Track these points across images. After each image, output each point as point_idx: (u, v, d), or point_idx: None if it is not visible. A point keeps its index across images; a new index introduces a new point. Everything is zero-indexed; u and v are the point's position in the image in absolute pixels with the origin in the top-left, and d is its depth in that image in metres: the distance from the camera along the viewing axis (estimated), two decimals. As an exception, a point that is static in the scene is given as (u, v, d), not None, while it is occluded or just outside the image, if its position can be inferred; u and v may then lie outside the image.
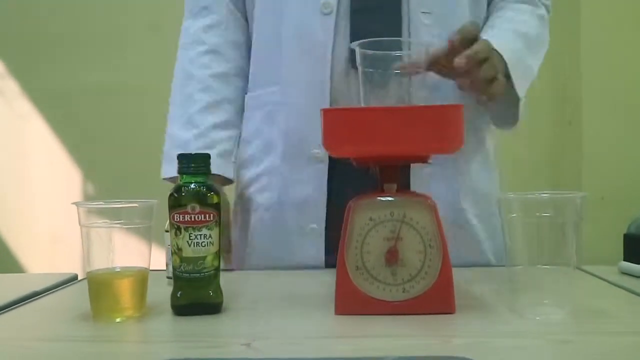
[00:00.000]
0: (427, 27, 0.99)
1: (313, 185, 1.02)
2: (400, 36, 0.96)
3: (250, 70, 1.12)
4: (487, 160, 1.10)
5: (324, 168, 1.01)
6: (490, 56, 0.90)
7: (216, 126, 1.09)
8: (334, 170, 1.02)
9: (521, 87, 1.00)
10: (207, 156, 0.77)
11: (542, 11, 1.11)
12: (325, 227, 1.02)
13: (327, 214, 1.02)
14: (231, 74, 1.12)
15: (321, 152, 1.00)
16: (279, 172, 1.05)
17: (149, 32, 2.36)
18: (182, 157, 0.76)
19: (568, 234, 0.69)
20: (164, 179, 1.10)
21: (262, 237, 1.08)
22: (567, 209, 0.69)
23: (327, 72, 0.99)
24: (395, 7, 0.98)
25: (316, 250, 1.03)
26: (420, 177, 0.99)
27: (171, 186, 0.76)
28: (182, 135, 1.10)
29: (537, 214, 0.69)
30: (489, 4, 1.10)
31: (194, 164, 0.76)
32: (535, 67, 1.05)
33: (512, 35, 1.02)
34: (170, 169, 1.09)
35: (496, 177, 1.12)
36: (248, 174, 1.11)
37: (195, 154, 0.77)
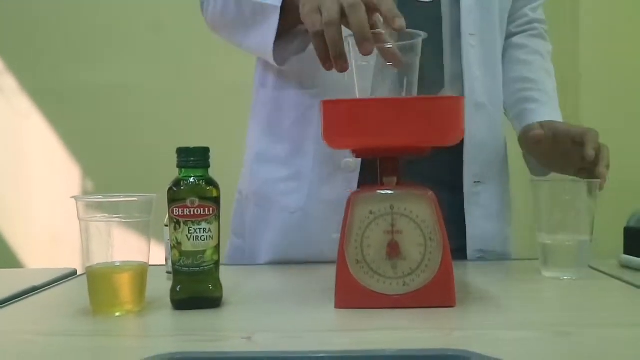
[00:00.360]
0: (473, 49, 1.02)
1: (340, 195, 1.00)
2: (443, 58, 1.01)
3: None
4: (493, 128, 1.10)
5: (354, 177, 1.00)
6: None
7: None
8: (365, 180, 1.00)
9: None
10: (207, 150, 0.76)
11: (549, 46, 1.20)
12: None
13: None
14: None
15: (353, 161, 0.99)
16: (308, 178, 1.03)
17: (149, 31, 2.36)
18: (181, 151, 0.76)
19: (584, 210, 0.87)
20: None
21: (284, 240, 1.05)
22: (584, 192, 0.88)
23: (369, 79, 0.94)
24: (436, 28, 1.00)
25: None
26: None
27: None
28: None
29: (562, 195, 0.88)
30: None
31: (193, 157, 0.75)
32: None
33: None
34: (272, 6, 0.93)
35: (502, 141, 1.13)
36: (275, 174, 1.07)
37: (195, 147, 0.76)
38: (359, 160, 0.99)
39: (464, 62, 1.01)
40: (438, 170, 0.96)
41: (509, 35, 1.14)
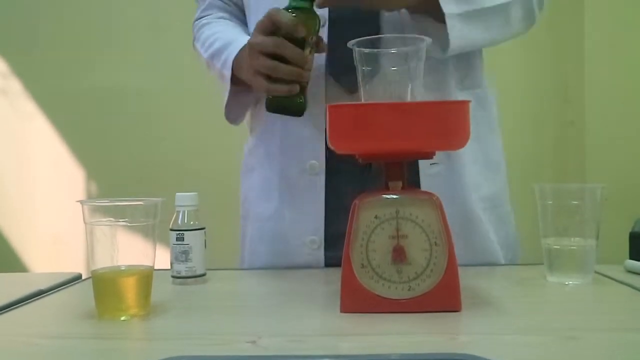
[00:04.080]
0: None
1: (311, 198, 1.02)
2: None
3: None
4: (491, 158, 1.09)
5: (320, 180, 1.01)
6: None
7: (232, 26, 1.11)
8: (331, 183, 1.02)
9: (447, 2, 0.93)
10: None
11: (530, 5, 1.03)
12: (325, 240, 1.02)
13: (325, 227, 1.02)
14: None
15: (317, 164, 1.01)
16: (277, 185, 1.05)
17: (153, 34, 2.37)
18: None
19: (589, 215, 0.87)
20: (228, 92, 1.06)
21: (261, 247, 1.08)
22: (590, 196, 0.87)
23: (322, 82, 0.99)
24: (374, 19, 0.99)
25: (315, 262, 1.03)
26: (429, 177, 0.99)
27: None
28: (218, 45, 1.08)
29: (567, 200, 0.87)
30: None
31: None
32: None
33: None
34: (225, 67, 1.03)
35: (502, 171, 1.11)
36: (249, 183, 1.12)
37: None
38: (323, 162, 1.01)
39: None
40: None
41: None
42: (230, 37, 1.06)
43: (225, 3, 1.16)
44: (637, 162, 2.12)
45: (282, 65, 0.89)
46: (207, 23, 1.14)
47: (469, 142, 1.01)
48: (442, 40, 0.95)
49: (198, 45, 1.14)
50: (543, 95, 2.35)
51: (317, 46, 0.94)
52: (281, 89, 0.91)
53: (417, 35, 0.79)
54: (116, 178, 2.36)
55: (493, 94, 1.12)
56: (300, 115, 0.93)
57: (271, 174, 1.06)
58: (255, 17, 1.04)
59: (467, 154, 1.04)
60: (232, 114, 1.10)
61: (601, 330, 0.67)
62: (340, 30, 0.97)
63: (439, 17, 0.93)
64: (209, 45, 1.09)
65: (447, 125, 0.72)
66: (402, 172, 0.76)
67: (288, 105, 0.93)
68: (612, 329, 0.67)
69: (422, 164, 0.99)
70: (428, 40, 0.78)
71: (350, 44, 0.79)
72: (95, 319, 0.73)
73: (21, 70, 2.46)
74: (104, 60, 2.40)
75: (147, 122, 2.39)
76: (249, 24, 1.11)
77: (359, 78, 0.80)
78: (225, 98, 1.06)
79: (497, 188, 1.09)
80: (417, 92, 0.80)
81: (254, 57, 0.91)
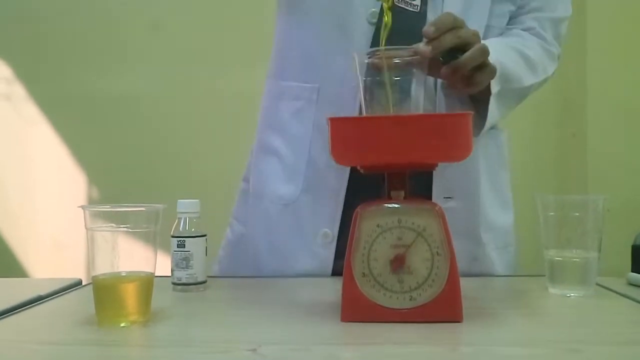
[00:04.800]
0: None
1: (333, 192, 1.02)
2: None
3: (283, 56, 1.12)
4: (503, 195, 1.11)
5: (344, 175, 1.01)
6: (462, 26, 0.87)
7: None
8: (354, 181, 1.02)
9: (496, 82, 0.96)
10: None
11: (552, 48, 1.11)
12: (339, 235, 1.02)
13: (341, 221, 1.02)
14: None
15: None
16: (302, 173, 1.05)
17: (155, 40, 2.37)
18: None
19: (591, 227, 0.87)
20: None
21: (276, 230, 1.08)
22: (592, 208, 0.87)
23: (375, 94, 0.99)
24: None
25: (328, 254, 1.03)
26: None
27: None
28: None
29: (569, 211, 0.87)
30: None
31: None
32: (524, 80, 1.03)
33: (506, 46, 1.02)
34: None
35: (510, 207, 1.13)
36: (271, 166, 1.10)
37: None
38: None
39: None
40: (414, 186, 0.95)
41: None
42: None
43: None
44: (639, 174, 2.11)
45: None
46: None
47: (484, 180, 1.06)
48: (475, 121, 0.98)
49: None
50: (544, 107, 2.35)
51: None
52: None
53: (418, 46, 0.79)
54: (118, 183, 2.36)
55: (506, 134, 1.15)
56: None
57: (298, 159, 1.06)
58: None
59: (484, 191, 1.06)
60: None
61: (604, 343, 0.66)
62: None
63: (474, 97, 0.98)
64: None
65: (449, 137, 0.72)
66: (404, 181, 0.76)
67: None
68: (614, 342, 0.67)
69: (436, 195, 1.00)
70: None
71: (352, 54, 0.79)
72: (95, 325, 0.73)
73: (24, 76, 2.46)
74: (106, 65, 2.40)
75: (150, 128, 2.39)
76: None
77: (361, 89, 0.80)
78: None
79: (508, 229, 1.11)
80: (419, 103, 0.80)
81: None
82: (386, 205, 0.74)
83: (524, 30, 1.09)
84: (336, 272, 1.02)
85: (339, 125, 0.73)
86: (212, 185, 2.02)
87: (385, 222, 0.72)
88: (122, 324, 0.73)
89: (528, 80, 1.04)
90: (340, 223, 1.02)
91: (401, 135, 0.71)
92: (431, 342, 0.66)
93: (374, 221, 0.73)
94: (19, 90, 2.45)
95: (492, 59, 0.91)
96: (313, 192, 1.04)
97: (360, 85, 0.80)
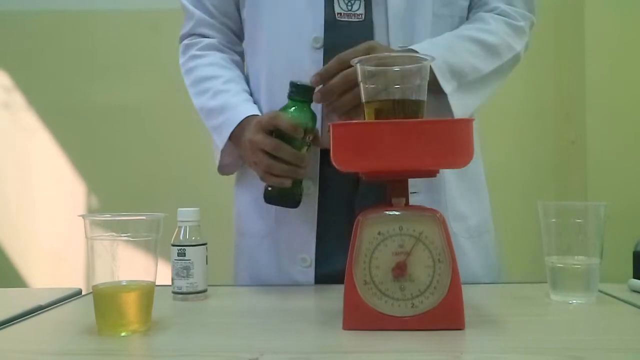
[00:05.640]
0: None
1: (304, 218, 1.04)
2: None
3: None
4: (474, 182, 1.10)
5: (313, 200, 1.03)
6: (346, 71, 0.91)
7: (243, 90, 1.10)
8: (323, 202, 1.03)
9: (448, 81, 0.98)
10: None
11: (520, 23, 1.07)
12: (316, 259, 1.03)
13: (316, 246, 1.03)
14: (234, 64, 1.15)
15: (312, 184, 1.02)
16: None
17: (154, 52, 2.37)
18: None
19: (593, 234, 0.87)
20: (221, 151, 1.08)
21: (258, 263, 1.10)
22: (593, 215, 0.87)
23: (318, 105, 1.00)
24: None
25: (307, 279, 1.04)
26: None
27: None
28: (214, 103, 1.08)
29: (570, 218, 0.87)
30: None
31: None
32: (483, 68, 1.02)
33: (456, 40, 1.02)
34: (220, 138, 1.07)
35: (485, 194, 1.13)
36: (246, 203, 1.13)
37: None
38: (317, 182, 1.03)
39: None
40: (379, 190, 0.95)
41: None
42: (226, 101, 1.07)
43: (215, 23, 1.15)
44: (639, 181, 2.11)
45: (278, 165, 0.94)
46: (196, 66, 1.14)
47: (450, 171, 1.05)
48: (446, 111, 0.99)
49: (187, 81, 1.15)
50: (544, 115, 2.36)
51: (314, 141, 0.98)
52: (276, 181, 0.96)
53: (421, 55, 0.79)
54: (117, 193, 2.35)
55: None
56: (295, 207, 0.99)
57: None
58: (260, 32, 1.06)
59: (450, 184, 1.06)
60: (226, 168, 1.13)
61: (606, 349, 0.66)
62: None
63: (440, 91, 0.98)
64: (201, 92, 1.11)
65: (450, 143, 0.72)
66: (405, 188, 0.76)
67: (284, 196, 0.97)
68: (617, 349, 0.66)
69: None
70: (430, 58, 0.78)
71: (353, 61, 0.79)
72: (95, 335, 0.72)
73: (24, 84, 2.46)
74: (107, 77, 2.41)
75: (149, 136, 2.39)
76: (249, 41, 1.12)
77: (362, 96, 0.80)
78: (217, 161, 1.11)
79: (482, 217, 1.11)
80: (421, 110, 0.80)
81: (254, 152, 0.96)
82: (387, 212, 0.74)
83: (489, 12, 1.08)
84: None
85: (340, 131, 0.73)
86: (211, 194, 2.01)
87: (386, 230, 0.72)
88: (123, 334, 0.72)
89: (488, 66, 1.03)
90: (316, 247, 1.03)
91: (402, 141, 0.71)
92: (433, 350, 0.66)
93: (375, 228, 0.72)
94: (17, 99, 2.45)
95: (437, 60, 0.92)
96: (286, 221, 1.05)
97: (362, 92, 0.80)
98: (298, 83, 0.95)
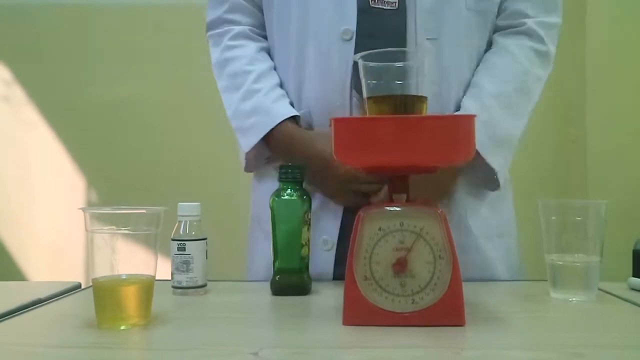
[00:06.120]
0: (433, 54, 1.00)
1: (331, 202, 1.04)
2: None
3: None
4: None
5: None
6: None
7: (276, 85, 1.08)
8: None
9: (496, 158, 1.02)
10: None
11: (543, 47, 1.09)
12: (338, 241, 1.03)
13: (341, 228, 1.03)
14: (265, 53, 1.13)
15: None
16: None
17: (155, 47, 2.37)
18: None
19: (593, 232, 0.87)
20: (246, 153, 1.08)
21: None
22: (594, 213, 0.87)
23: (347, 96, 1.00)
24: (402, 36, 1.00)
25: (328, 261, 1.03)
26: None
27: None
28: (246, 104, 1.07)
29: (571, 216, 0.87)
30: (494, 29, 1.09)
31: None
32: (514, 128, 1.06)
33: (488, 101, 1.03)
34: (247, 141, 1.06)
35: (509, 194, 1.13)
36: (264, 187, 1.11)
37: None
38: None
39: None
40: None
41: (496, 30, 1.09)
42: (258, 103, 1.06)
43: (249, 5, 1.13)
44: (638, 179, 2.11)
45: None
46: (232, 58, 1.11)
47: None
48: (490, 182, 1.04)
49: (218, 73, 1.13)
50: (544, 114, 2.35)
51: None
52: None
53: (422, 51, 0.79)
54: (117, 187, 2.35)
55: None
56: (306, 294, 0.92)
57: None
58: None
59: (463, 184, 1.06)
60: (251, 165, 1.12)
61: (606, 347, 0.66)
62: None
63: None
64: (233, 88, 1.09)
65: (452, 139, 0.72)
66: (406, 184, 0.76)
67: (292, 287, 0.92)
68: (617, 346, 0.66)
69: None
70: (432, 51, 0.78)
71: (355, 57, 0.79)
72: (95, 328, 0.72)
73: (24, 78, 2.46)
74: (107, 71, 2.40)
75: (149, 131, 2.38)
76: (278, 30, 1.10)
77: (364, 92, 0.80)
78: (243, 162, 1.10)
79: (503, 218, 1.11)
80: (422, 106, 0.80)
81: (346, 195, 1.01)
82: (388, 208, 0.73)
83: (515, 20, 1.07)
84: (337, 278, 1.02)
85: (342, 126, 0.73)
86: (213, 188, 2.01)
87: (387, 225, 0.72)
88: (122, 327, 0.72)
89: (522, 114, 1.07)
90: (340, 230, 1.03)
91: (403, 136, 0.71)
92: (434, 346, 0.66)
93: (376, 224, 0.72)
94: (17, 93, 2.45)
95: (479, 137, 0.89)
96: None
97: (364, 88, 0.80)
98: (288, 165, 0.93)
